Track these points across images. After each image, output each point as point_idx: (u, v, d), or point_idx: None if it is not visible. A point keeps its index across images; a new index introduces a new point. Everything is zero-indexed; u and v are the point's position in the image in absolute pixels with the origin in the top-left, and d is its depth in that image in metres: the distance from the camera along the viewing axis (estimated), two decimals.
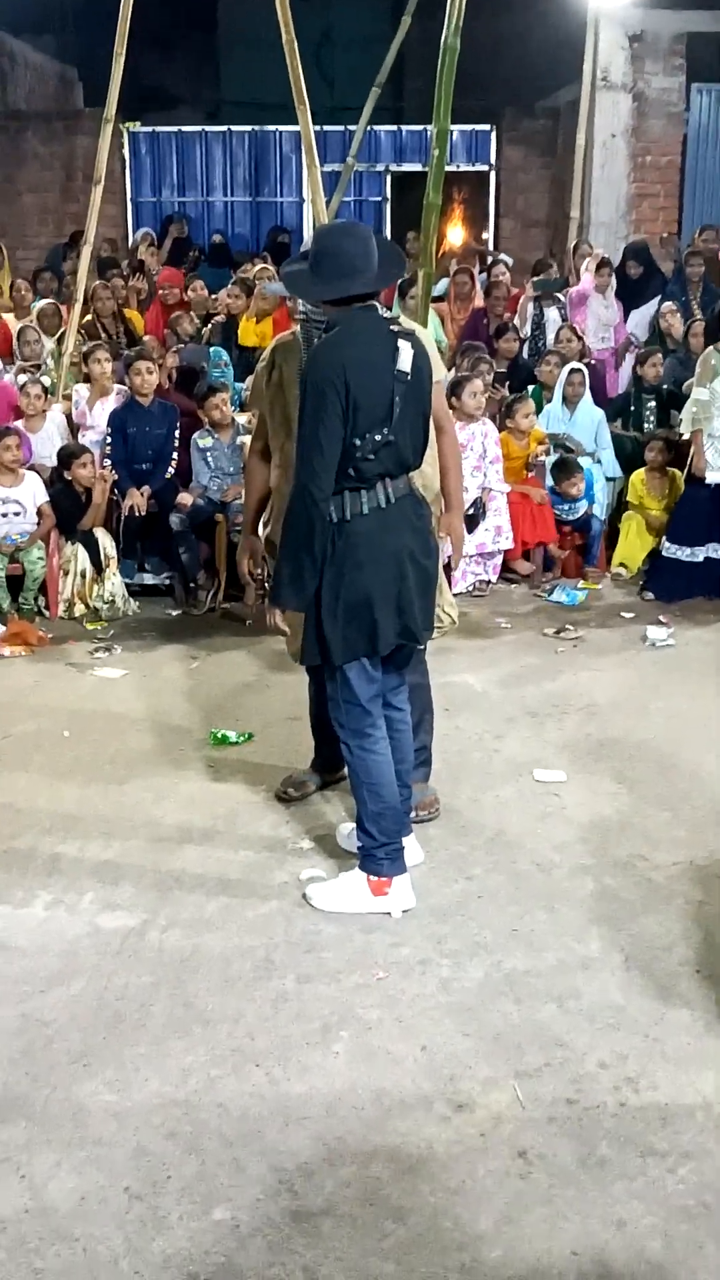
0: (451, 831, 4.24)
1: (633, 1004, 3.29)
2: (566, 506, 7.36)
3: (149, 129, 13.87)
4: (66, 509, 6.89)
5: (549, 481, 7.40)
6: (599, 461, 7.71)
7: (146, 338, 8.86)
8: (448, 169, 7.54)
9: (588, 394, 7.88)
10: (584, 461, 7.52)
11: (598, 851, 4.11)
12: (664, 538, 7.07)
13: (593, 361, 8.56)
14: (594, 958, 3.50)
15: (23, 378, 7.90)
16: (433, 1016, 3.23)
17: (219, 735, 5.09)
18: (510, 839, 4.19)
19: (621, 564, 7.41)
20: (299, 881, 3.91)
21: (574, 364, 7.93)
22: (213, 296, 9.64)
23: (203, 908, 3.77)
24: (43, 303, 9.17)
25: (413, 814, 4.04)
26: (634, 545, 7.37)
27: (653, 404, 7.99)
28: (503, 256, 10.67)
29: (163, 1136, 2.81)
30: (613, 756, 4.86)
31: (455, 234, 13.81)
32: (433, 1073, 3.01)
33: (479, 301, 9.66)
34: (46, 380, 7.88)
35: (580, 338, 8.65)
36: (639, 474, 7.50)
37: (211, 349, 8.44)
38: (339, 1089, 2.96)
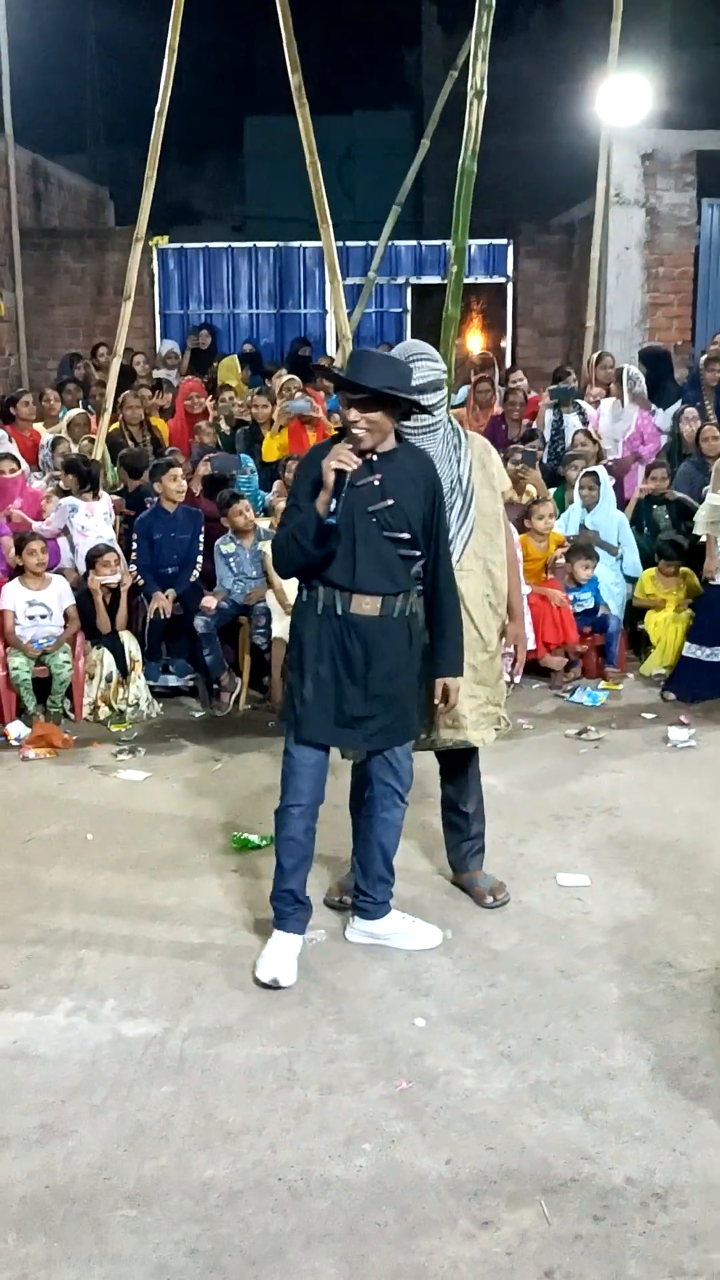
0: (475, 937, 4.22)
1: (660, 1116, 3.24)
2: (572, 596, 7.44)
3: (176, 245, 14.32)
4: (92, 613, 6.98)
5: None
6: (621, 558, 7.81)
7: (172, 447, 9.05)
8: (467, 281, 7.76)
9: (608, 495, 8.00)
10: (606, 559, 7.64)
11: (623, 957, 4.07)
12: (685, 639, 7.11)
13: (610, 464, 8.69)
14: (620, 1067, 3.45)
15: (39, 484, 8.08)
16: (457, 1129, 3.18)
17: (241, 839, 5.10)
18: (534, 945, 4.16)
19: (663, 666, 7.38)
20: (321, 987, 3.89)
21: (588, 468, 8.06)
22: (238, 403, 9.85)
23: (224, 1015, 3.75)
24: (73, 412, 9.40)
25: (490, 899, 4.45)
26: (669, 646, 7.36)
27: (663, 511, 8.13)
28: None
29: (184, 1254, 2.77)
30: (636, 860, 4.84)
31: (474, 342, 14.12)
32: (457, 1188, 2.96)
33: (498, 408, 9.86)
34: (64, 486, 8.04)
35: (596, 441, 8.80)
36: (649, 573, 7.64)
37: (242, 457, 8.62)
38: (362, 1205, 2.91)
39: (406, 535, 3.80)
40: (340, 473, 3.60)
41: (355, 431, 3.69)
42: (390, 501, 3.77)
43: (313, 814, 4.04)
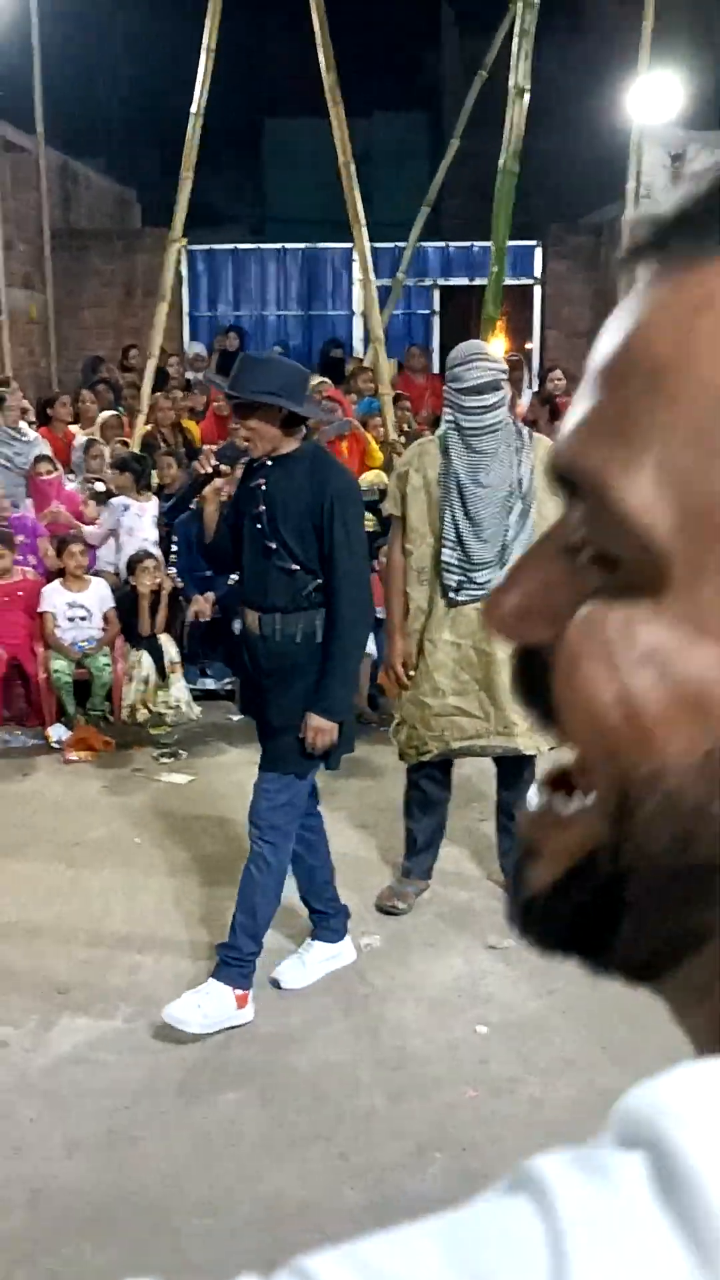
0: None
1: None
2: None
3: (205, 247, 14.33)
4: (132, 615, 6.97)
5: None
6: None
7: (208, 447, 9.03)
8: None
9: None
10: None
11: None
12: None
13: None
14: None
15: (73, 487, 8.08)
16: (528, 1138, 3.16)
17: None
18: None
19: None
20: (379, 993, 3.87)
21: None
22: None
23: (285, 1021, 3.73)
24: (106, 414, 9.40)
25: None
26: None
27: None
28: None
29: (261, 1263, 2.70)
30: None
31: (497, 345, 14.09)
32: None
33: (523, 410, 9.82)
34: (100, 487, 8.05)
35: None
36: None
37: None
38: (436, 1213, 2.88)
39: (274, 546, 3.56)
40: (199, 479, 3.68)
41: (238, 440, 3.66)
42: (262, 508, 3.57)
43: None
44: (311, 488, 3.53)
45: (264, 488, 3.57)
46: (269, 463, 3.58)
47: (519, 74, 6.80)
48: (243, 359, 3.68)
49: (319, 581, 3.57)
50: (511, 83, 6.86)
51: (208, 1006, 3.61)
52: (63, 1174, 3.05)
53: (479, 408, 4.04)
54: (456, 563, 4.13)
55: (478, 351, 4.11)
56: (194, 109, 8.29)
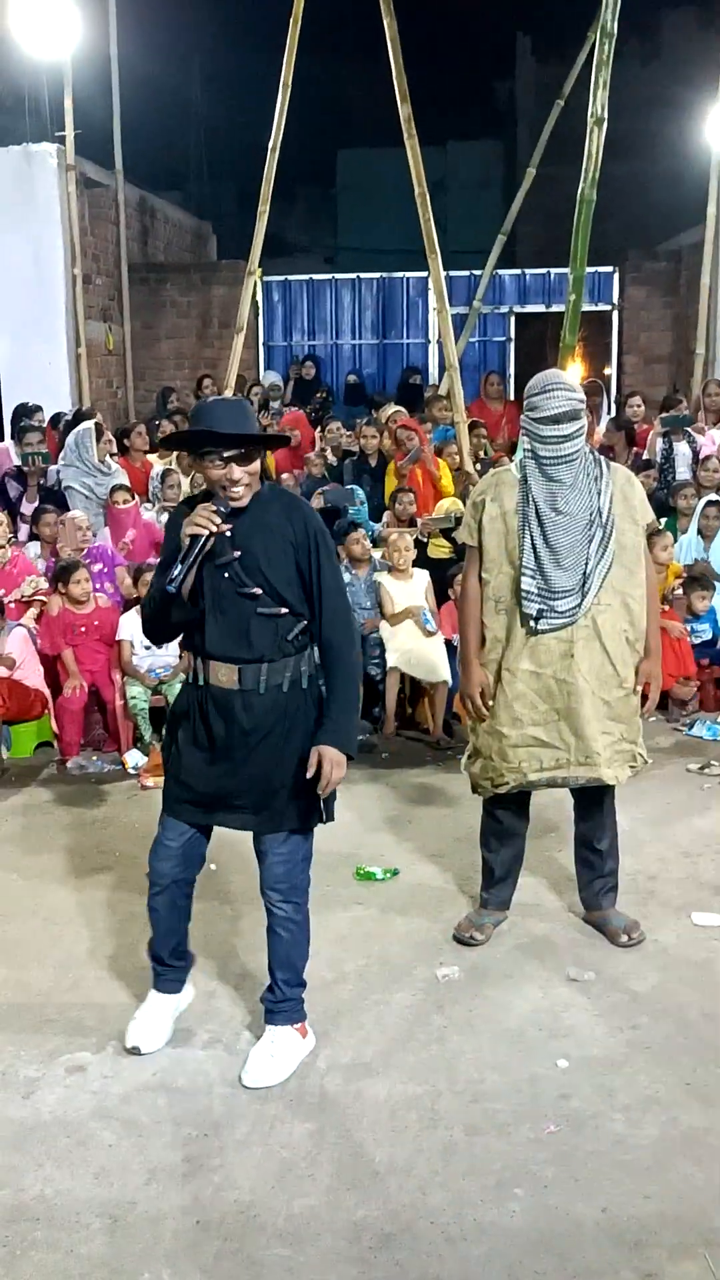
0: (613, 977, 4.13)
1: None
2: (689, 627, 7.31)
3: (280, 277, 14.51)
4: None
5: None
6: None
7: (284, 475, 9.11)
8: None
9: None
10: None
11: None
12: None
13: None
14: None
15: (150, 515, 8.18)
16: (611, 1176, 3.10)
17: (364, 871, 5.07)
18: (675, 986, 4.06)
19: None
20: (457, 1025, 3.84)
21: (712, 496, 7.93)
22: (347, 433, 9.90)
23: (362, 1051, 3.71)
24: None
25: (625, 938, 4.33)
26: None
27: None
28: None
29: None
30: None
31: (573, 371, 14.06)
32: (616, 1237, 2.88)
33: (599, 438, 9.77)
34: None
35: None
36: None
37: (353, 488, 8.65)
38: (519, 1251, 2.84)
39: (259, 591, 3.41)
40: (194, 537, 3.31)
41: (237, 490, 3.37)
42: (238, 553, 3.40)
43: (181, 892, 3.74)
44: (292, 527, 3.44)
45: (230, 533, 3.39)
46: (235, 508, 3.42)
47: (597, 104, 6.81)
48: (214, 405, 3.53)
49: (304, 624, 3.49)
50: (590, 113, 6.85)
51: (280, 1054, 3.62)
52: (142, 1201, 3.05)
53: (557, 437, 4.02)
54: (537, 591, 4.10)
55: (556, 381, 4.08)
56: (271, 144, 8.40)
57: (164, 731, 3.80)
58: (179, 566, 3.33)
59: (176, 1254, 2.87)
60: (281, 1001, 3.69)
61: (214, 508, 3.33)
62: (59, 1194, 3.09)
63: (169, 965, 3.82)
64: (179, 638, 3.64)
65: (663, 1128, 3.30)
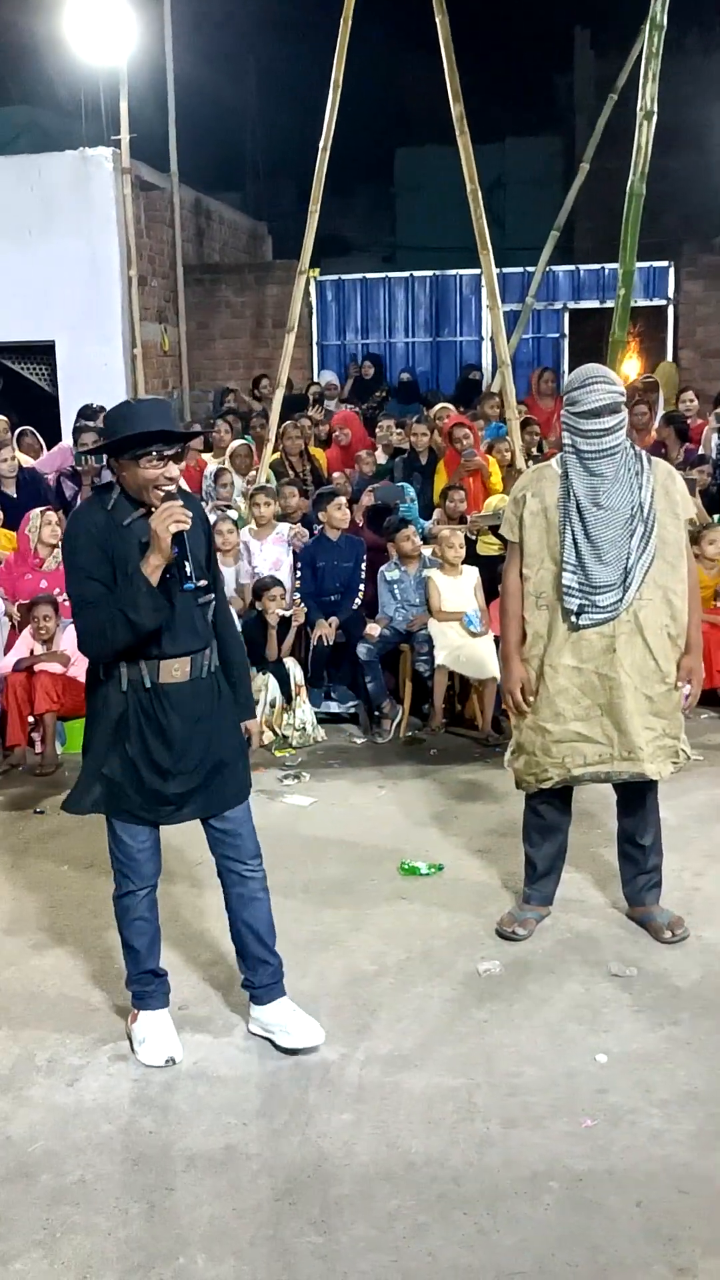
0: (655, 974, 4.11)
1: None
2: None
3: (334, 276, 14.55)
4: (255, 640, 7.08)
5: None
6: None
7: (337, 475, 9.14)
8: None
9: None
10: None
11: None
12: None
13: None
14: None
15: (213, 516, 8.24)
16: (647, 1170, 3.10)
17: (409, 866, 5.09)
18: (716, 983, 4.03)
19: None
20: (497, 1019, 3.84)
21: None
22: (398, 431, 9.91)
23: (400, 1044, 3.73)
24: (235, 443, 9.59)
25: (669, 934, 4.29)
26: None
27: None
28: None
29: None
30: None
31: (631, 367, 13.96)
32: (650, 1232, 2.87)
33: (654, 434, 9.69)
34: (233, 514, 8.20)
35: None
36: None
37: (403, 485, 8.67)
38: (551, 1243, 2.85)
39: (205, 582, 3.49)
40: (181, 534, 3.33)
41: (170, 487, 3.39)
42: (174, 549, 3.42)
43: (155, 892, 3.79)
44: (199, 515, 3.55)
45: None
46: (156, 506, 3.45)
47: (646, 96, 6.76)
48: (143, 405, 3.55)
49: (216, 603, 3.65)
50: (639, 105, 6.81)
51: (303, 1015, 3.77)
52: (179, 1187, 3.10)
53: (597, 431, 4.01)
54: (578, 586, 4.09)
55: (596, 374, 4.07)
56: (321, 143, 8.43)
57: (90, 741, 3.62)
58: (187, 565, 3.36)
59: (211, 1239, 2.91)
60: (280, 967, 3.81)
61: (179, 503, 3.34)
62: (99, 1179, 3.14)
63: (160, 975, 3.82)
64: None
65: (700, 1123, 3.28)
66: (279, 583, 7.24)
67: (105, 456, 3.57)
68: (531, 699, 4.26)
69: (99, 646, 3.45)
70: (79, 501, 8.43)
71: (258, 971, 3.79)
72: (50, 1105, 3.48)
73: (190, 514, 3.35)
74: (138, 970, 3.78)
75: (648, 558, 4.07)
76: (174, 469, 3.41)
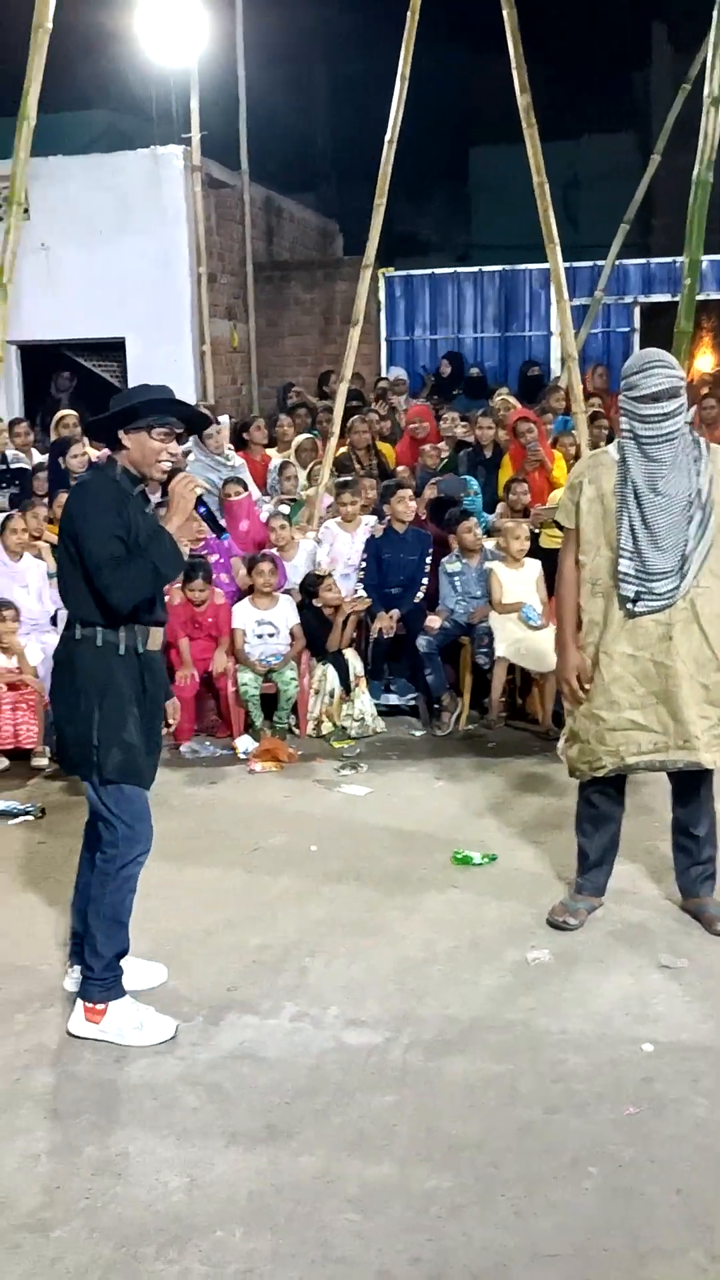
0: (706, 965, 4.06)
1: None
2: None
3: (403, 273, 14.53)
4: (315, 630, 7.11)
5: None
6: None
7: (401, 468, 9.14)
8: (698, 297, 7.57)
9: None
10: None
11: None
12: None
13: None
14: None
15: (267, 509, 8.29)
16: (689, 1159, 3.06)
17: (462, 855, 5.08)
18: None
19: None
20: (544, 1008, 3.82)
21: None
22: (462, 424, 9.88)
23: (446, 1030, 3.72)
24: (301, 437, 9.63)
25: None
26: None
27: None
28: None
29: (406, 1262, 2.75)
30: None
31: (704, 361, 13.77)
32: (690, 1219, 2.84)
33: None
34: (285, 509, 8.24)
35: None
36: None
37: (466, 478, 8.65)
38: (589, 1228, 2.83)
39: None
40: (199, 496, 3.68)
41: (168, 465, 3.68)
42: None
43: None
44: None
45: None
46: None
47: (714, 84, 6.67)
48: (158, 387, 3.73)
49: None
50: (706, 93, 6.73)
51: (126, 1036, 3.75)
52: (220, 1163, 3.12)
53: (656, 415, 3.97)
54: (634, 573, 4.05)
55: (655, 359, 4.03)
56: (388, 138, 8.43)
57: (100, 709, 3.65)
58: (215, 519, 3.61)
59: (250, 1215, 2.93)
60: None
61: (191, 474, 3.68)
62: (141, 1153, 3.18)
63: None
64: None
65: None
66: (328, 574, 7.25)
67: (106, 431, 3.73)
68: (587, 686, 4.23)
69: (127, 598, 3.58)
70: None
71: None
72: (96, 1080, 3.52)
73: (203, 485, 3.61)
74: (118, 950, 3.74)
75: (705, 545, 4.02)
76: (176, 446, 3.68)
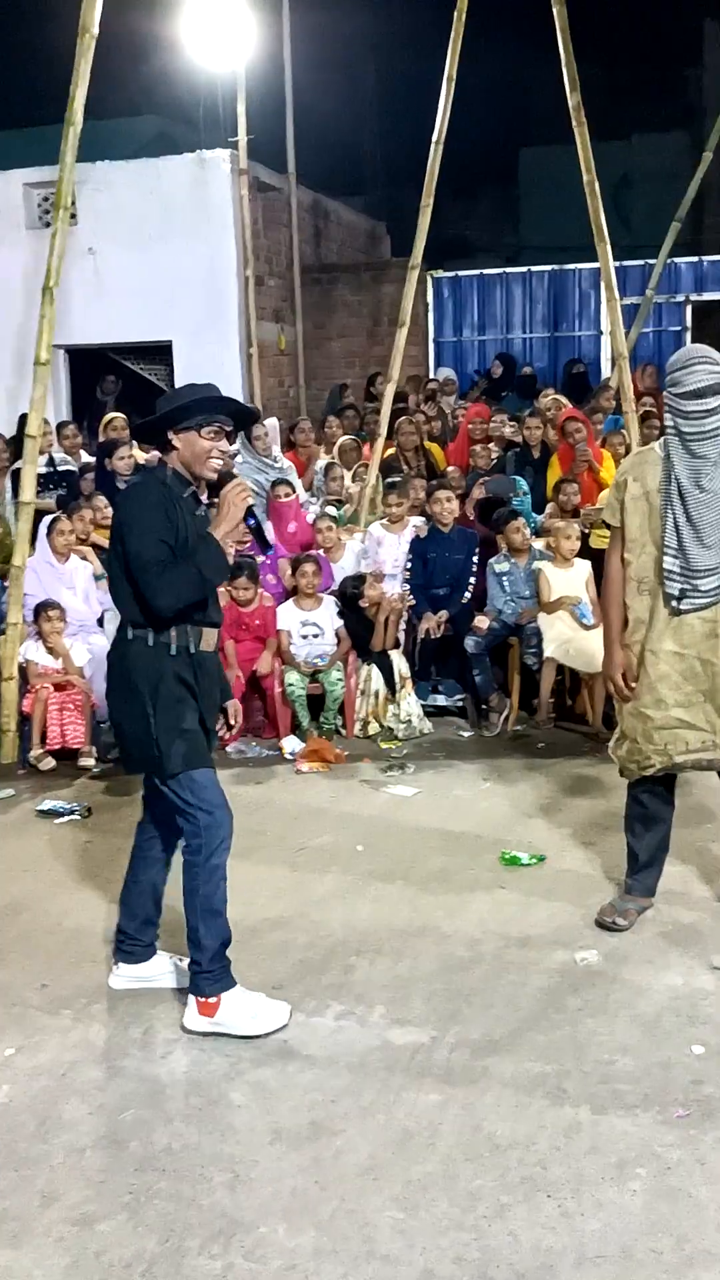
0: None
1: None
2: None
3: (451, 274, 14.49)
4: (359, 632, 7.09)
5: None
6: None
7: (450, 469, 9.11)
8: None
9: None
10: None
11: None
12: None
13: None
14: None
15: (314, 510, 8.30)
16: None
17: (510, 856, 5.04)
18: None
19: None
20: (592, 1008, 3.78)
21: None
22: (511, 425, 9.83)
23: (492, 1030, 3.69)
24: (344, 438, 9.63)
25: None
26: None
27: None
28: None
29: (450, 1260, 2.73)
30: None
31: None
32: None
33: None
34: (332, 510, 8.23)
35: None
36: None
37: (514, 479, 8.61)
38: (636, 1230, 2.79)
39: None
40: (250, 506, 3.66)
41: (219, 462, 3.66)
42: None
43: None
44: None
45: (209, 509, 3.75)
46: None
47: None
48: (205, 385, 3.73)
49: None
50: None
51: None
52: (264, 1159, 3.11)
53: (700, 412, 3.92)
54: (679, 570, 4.01)
55: (698, 355, 3.99)
56: (435, 137, 8.42)
57: (155, 705, 3.66)
58: (263, 531, 3.65)
59: (293, 1210, 2.92)
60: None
61: (244, 480, 3.68)
62: (185, 1148, 3.18)
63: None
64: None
65: None
66: (367, 575, 7.24)
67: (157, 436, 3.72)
68: (633, 685, 4.19)
69: (171, 602, 3.57)
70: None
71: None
72: (143, 1076, 3.53)
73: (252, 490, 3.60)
74: (221, 939, 3.74)
75: None
76: (227, 444, 3.65)
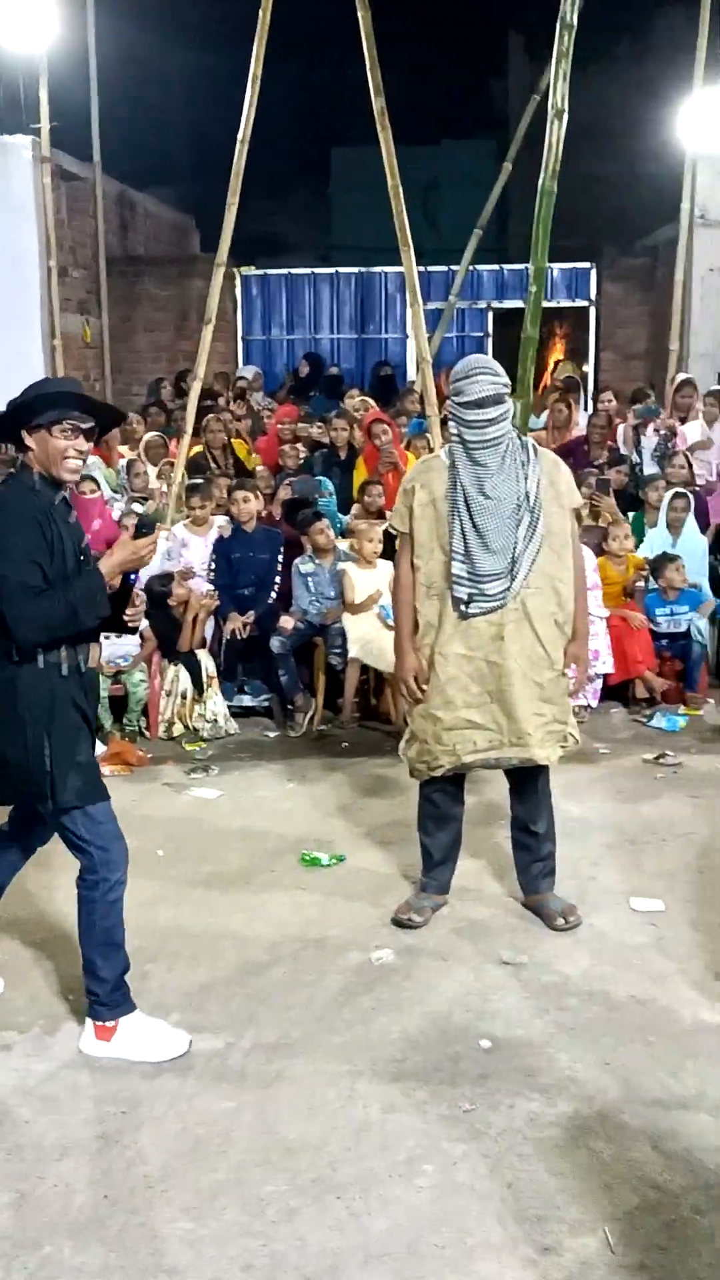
0: (545, 960, 4.14)
1: None
2: (668, 611, 7.29)
3: (260, 272, 14.49)
4: (166, 632, 7.03)
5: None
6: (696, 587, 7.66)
7: (260, 468, 9.10)
8: (549, 305, 7.72)
9: (691, 521, 7.86)
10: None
11: (697, 983, 3.97)
12: None
13: (697, 489, 8.54)
14: (691, 1095, 3.35)
15: (119, 508, 8.18)
16: (521, 1153, 3.11)
17: (310, 857, 5.08)
18: (606, 969, 4.07)
19: None
20: (386, 1006, 3.85)
21: (679, 489, 7.92)
22: (318, 425, 9.89)
23: (288, 1032, 3.72)
24: (150, 435, 9.52)
25: (561, 921, 4.33)
26: None
27: None
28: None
29: (239, 1268, 2.73)
30: (712, 885, 4.72)
31: (560, 368, 14.08)
32: (519, 1213, 2.89)
33: (576, 431, 9.76)
34: (138, 508, 8.14)
35: (690, 465, 8.64)
36: None
37: (320, 479, 8.66)
38: (422, 1225, 2.85)
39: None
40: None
41: (78, 462, 3.48)
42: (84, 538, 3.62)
43: None
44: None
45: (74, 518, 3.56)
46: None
47: (556, 96, 6.80)
48: (58, 380, 3.64)
49: None
50: (550, 104, 6.85)
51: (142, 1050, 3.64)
52: (51, 1175, 3.06)
53: (481, 421, 4.04)
54: (466, 576, 4.11)
55: (479, 366, 4.10)
56: (240, 136, 8.39)
57: (49, 734, 3.44)
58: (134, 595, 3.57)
59: (80, 1227, 2.87)
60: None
61: (154, 539, 3.60)
62: None
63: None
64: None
65: (577, 1106, 3.30)
66: (173, 574, 7.18)
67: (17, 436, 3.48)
68: (424, 687, 4.27)
69: (35, 635, 3.35)
70: None
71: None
72: None
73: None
74: (120, 971, 3.63)
75: (534, 547, 4.10)
76: (84, 443, 3.42)
